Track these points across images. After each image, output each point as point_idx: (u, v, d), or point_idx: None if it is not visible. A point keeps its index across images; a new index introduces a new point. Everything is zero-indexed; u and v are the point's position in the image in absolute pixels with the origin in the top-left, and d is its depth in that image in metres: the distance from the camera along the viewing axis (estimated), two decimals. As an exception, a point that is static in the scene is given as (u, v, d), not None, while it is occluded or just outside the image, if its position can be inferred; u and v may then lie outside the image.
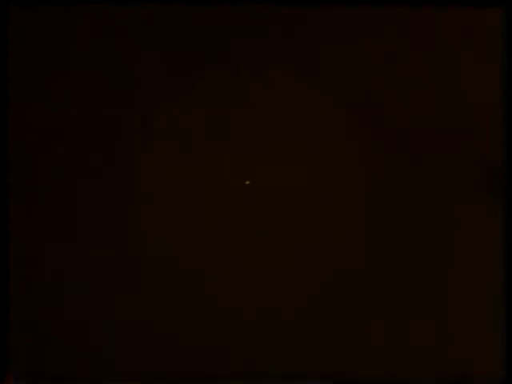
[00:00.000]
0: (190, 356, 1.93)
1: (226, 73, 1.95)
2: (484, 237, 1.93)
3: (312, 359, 1.93)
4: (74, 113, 1.95)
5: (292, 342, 1.93)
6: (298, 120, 1.95)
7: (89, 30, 1.95)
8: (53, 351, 1.92)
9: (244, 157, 1.95)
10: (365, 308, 1.93)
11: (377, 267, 1.93)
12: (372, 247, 1.94)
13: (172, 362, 1.93)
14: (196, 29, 1.95)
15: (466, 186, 1.94)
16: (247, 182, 1.94)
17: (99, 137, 1.94)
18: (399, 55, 1.95)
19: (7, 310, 1.89)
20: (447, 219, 1.94)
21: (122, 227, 1.93)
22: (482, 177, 1.94)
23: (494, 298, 1.92)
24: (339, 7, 1.95)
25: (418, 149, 1.95)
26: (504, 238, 1.91)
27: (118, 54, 1.95)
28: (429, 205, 1.94)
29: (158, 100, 1.95)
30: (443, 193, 1.94)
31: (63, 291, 1.93)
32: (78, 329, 1.92)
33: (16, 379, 1.91)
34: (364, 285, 1.93)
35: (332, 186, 1.94)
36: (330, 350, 1.93)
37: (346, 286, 1.93)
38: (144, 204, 1.94)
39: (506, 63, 1.92)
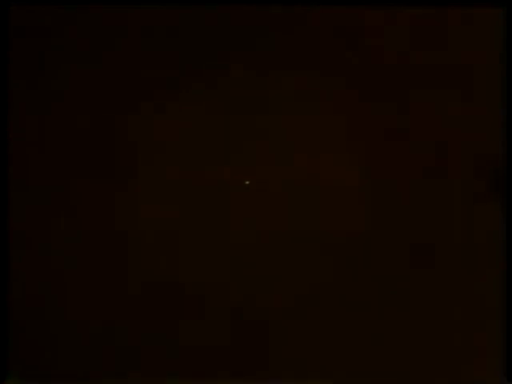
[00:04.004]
0: (190, 356, 1.93)
1: (226, 73, 1.96)
2: (484, 237, 1.93)
3: (312, 359, 1.93)
4: (74, 112, 1.95)
5: (292, 341, 1.93)
6: (298, 120, 1.95)
7: (89, 30, 1.95)
8: (53, 351, 1.92)
9: (244, 157, 1.95)
10: (364, 309, 1.93)
11: (377, 267, 1.94)
12: (372, 247, 1.94)
13: (172, 361, 1.93)
14: (196, 29, 1.95)
15: (466, 185, 1.94)
16: (247, 182, 1.94)
17: (99, 136, 1.95)
18: (399, 55, 1.95)
19: (7, 310, 1.89)
20: (447, 219, 1.94)
21: (122, 227, 1.93)
22: (482, 177, 1.94)
23: (493, 298, 1.92)
24: (339, 7, 1.95)
25: (418, 149, 1.95)
26: (504, 238, 1.91)
27: (118, 54, 1.95)
28: (429, 204, 1.94)
29: (158, 100, 1.95)
30: (443, 193, 1.94)
31: (63, 291, 1.93)
32: (78, 329, 1.92)
33: (16, 379, 1.91)
34: (364, 285, 1.93)
35: (332, 186, 1.94)
36: (329, 350, 1.93)
37: (346, 287, 1.93)
38: (144, 204, 1.94)
39: (505, 63, 1.92)
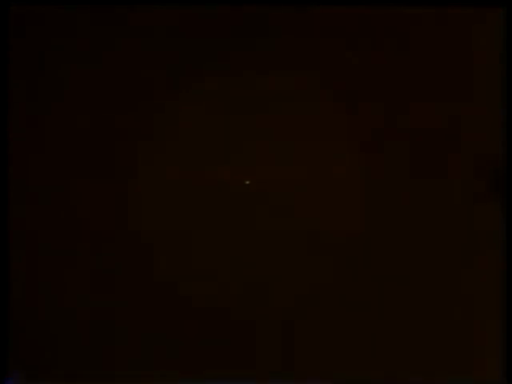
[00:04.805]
0: (190, 356, 1.93)
1: (225, 73, 1.95)
2: (484, 237, 1.93)
3: (312, 359, 1.93)
4: (74, 112, 1.95)
5: (292, 341, 1.93)
6: (298, 120, 1.95)
7: (89, 30, 1.95)
8: (53, 351, 1.92)
9: (244, 157, 1.95)
10: (364, 308, 1.93)
11: (377, 268, 1.93)
12: (372, 247, 1.94)
13: (171, 362, 1.93)
14: (196, 29, 1.95)
15: (466, 185, 1.94)
16: (247, 182, 1.94)
17: (99, 137, 1.94)
18: (399, 55, 1.95)
19: (7, 310, 1.89)
20: (447, 219, 1.94)
21: (122, 227, 1.93)
22: (482, 177, 1.94)
23: (493, 298, 1.92)
24: (339, 7, 1.95)
25: (417, 149, 1.95)
26: (504, 238, 1.91)
27: (118, 54, 1.95)
28: (428, 204, 1.94)
29: (158, 100, 1.95)
30: (443, 193, 1.94)
31: (63, 292, 1.93)
32: (78, 329, 1.92)
33: (16, 379, 1.91)
34: (363, 285, 1.93)
35: (332, 186, 1.94)
36: (330, 349, 1.93)
37: (346, 287, 1.93)
38: (144, 204, 1.94)
39: (505, 63, 1.92)
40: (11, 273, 1.92)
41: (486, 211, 1.94)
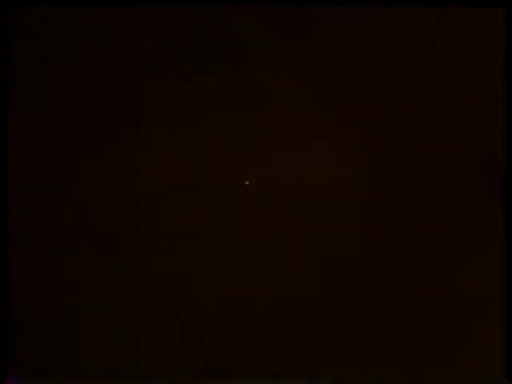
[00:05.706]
0: (190, 355, 1.93)
1: (226, 73, 1.96)
2: (484, 237, 1.93)
3: (312, 359, 1.93)
4: (74, 112, 1.95)
5: (292, 341, 1.93)
6: (298, 120, 1.95)
7: (89, 30, 1.95)
8: (53, 351, 1.92)
9: (244, 157, 1.95)
10: (364, 308, 1.93)
11: (376, 268, 1.93)
12: (372, 247, 1.94)
13: (171, 361, 1.93)
14: (196, 29, 1.95)
15: (466, 185, 1.94)
16: (247, 182, 1.94)
17: (99, 137, 1.95)
18: (399, 55, 1.96)
19: (7, 310, 1.89)
20: (447, 219, 1.94)
21: (122, 226, 1.93)
22: (482, 176, 1.94)
23: (493, 298, 1.92)
24: (339, 7, 1.95)
25: (417, 149, 1.95)
26: (504, 238, 1.91)
27: (118, 54, 1.95)
28: (428, 205, 1.94)
29: (157, 100, 1.95)
30: (443, 193, 1.94)
31: (63, 292, 1.93)
32: (78, 329, 1.92)
33: (16, 379, 1.91)
34: (363, 285, 1.93)
35: (332, 187, 1.94)
36: (329, 350, 1.93)
37: (346, 288, 1.94)
38: (144, 205, 1.94)
39: (506, 63, 1.92)
40: (11, 273, 1.92)
41: (486, 211, 1.94)
